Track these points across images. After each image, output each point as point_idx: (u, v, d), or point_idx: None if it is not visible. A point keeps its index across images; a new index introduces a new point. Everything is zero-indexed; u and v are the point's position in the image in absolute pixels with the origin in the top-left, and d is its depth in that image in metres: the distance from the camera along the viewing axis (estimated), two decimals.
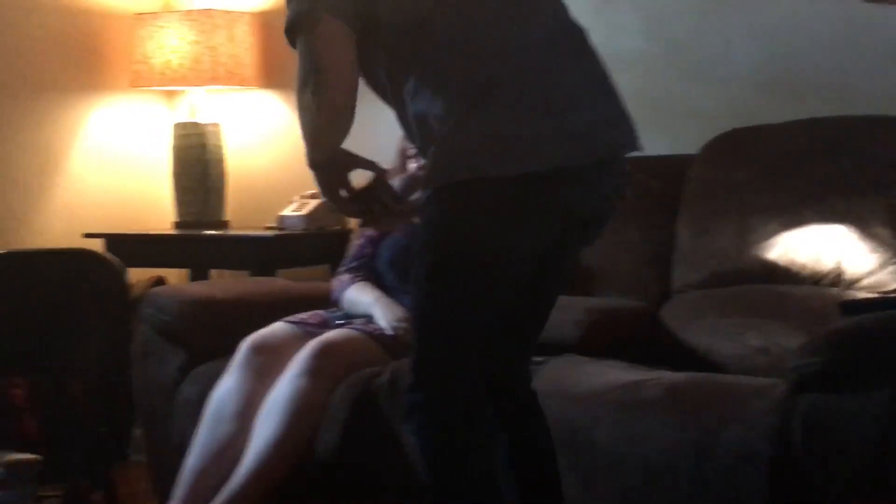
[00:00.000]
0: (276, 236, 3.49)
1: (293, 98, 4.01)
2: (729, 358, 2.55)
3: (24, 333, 1.57)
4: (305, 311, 2.89)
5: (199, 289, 3.02)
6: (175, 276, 3.98)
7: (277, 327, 2.77)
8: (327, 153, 1.89)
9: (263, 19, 3.96)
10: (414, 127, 1.92)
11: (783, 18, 3.09)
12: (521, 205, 1.81)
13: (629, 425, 2.16)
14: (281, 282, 3.25)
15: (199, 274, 3.88)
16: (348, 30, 1.83)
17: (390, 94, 1.95)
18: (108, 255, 1.69)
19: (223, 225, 3.90)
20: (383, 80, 1.94)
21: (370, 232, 2.99)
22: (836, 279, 2.58)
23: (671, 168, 2.99)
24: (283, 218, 3.66)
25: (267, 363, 2.66)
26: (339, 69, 1.84)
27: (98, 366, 1.52)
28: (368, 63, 1.94)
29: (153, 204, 4.07)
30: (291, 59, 4.03)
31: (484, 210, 1.80)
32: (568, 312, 2.61)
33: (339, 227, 3.68)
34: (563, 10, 2.02)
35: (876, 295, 2.39)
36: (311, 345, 2.61)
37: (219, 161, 3.91)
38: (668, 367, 2.55)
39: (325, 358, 2.57)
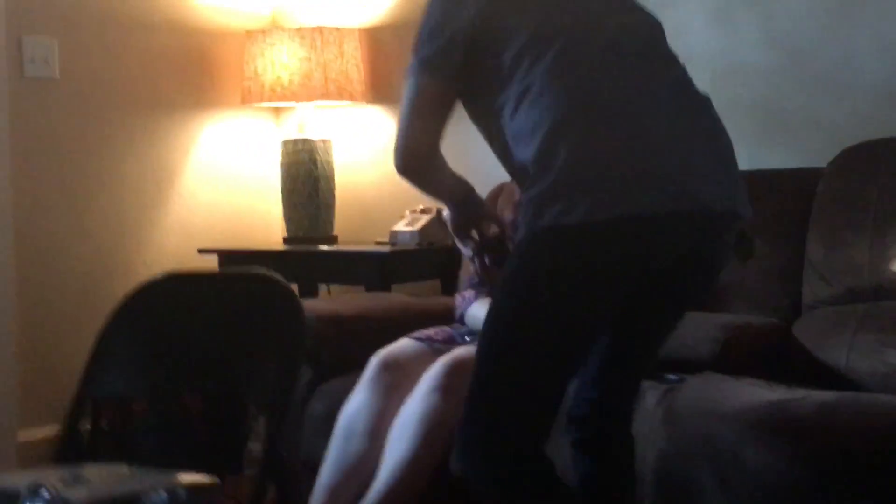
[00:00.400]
0: (390, 252, 3.50)
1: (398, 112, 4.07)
2: (868, 376, 2.50)
3: (201, 352, 1.58)
4: (426, 326, 2.89)
5: (323, 305, 3.04)
6: None
7: (405, 344, 2.77)
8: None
9: (372, 35, 3.98)
10: (517, 177, 1.96)
11: None
12: (592, 253, 1.80)
13: (780, 446, 2.11)
14: (399, 297, 3.26)
15: (307, 289, 3.91)
16: (444, 89, 1.94)
17: (496, 145, 1.99)
18: (283, 280, 1.70)
19: (332, 240, 3.93)
20: (492, 131, 1.98)
21: None
22: None
23: (799, 181, 2.94)
24: (394, 233, 3.67)
25: (396, 380, 2.66)
26: (420, 127, 1.94)
27: (273, 388, 1.53)
28: (478, 114, 2.00)
29: (263, 219, 4.11)
30: (399, 74, 4.09)
31: (555, 260, 1.81)
32: (702, 329, 2.58)
33: (449, 243, 3.68)
34: (682, 74, 2.00)
35: None
36: (443, 361, 2.61)
37: (328, 177, 3.94)
38: (804, 384, 2.51)
39: (456, 375, 2.56)
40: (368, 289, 3.46)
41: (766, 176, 3.03)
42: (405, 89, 1.96)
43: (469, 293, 2.98)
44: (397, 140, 1.96)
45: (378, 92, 3.99)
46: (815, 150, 3.07)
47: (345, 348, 2.89)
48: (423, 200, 3.82)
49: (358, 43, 3.94)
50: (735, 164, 1.97)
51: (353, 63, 3.91)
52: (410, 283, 3.64)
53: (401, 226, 3.69)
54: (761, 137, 3.23)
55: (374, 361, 2.70)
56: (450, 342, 2.78)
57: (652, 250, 1.83)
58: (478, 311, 2.90)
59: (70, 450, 1.64)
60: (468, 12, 1.90)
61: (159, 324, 1.60)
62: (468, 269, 3.16)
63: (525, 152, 1.86)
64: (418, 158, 1.96)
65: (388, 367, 2.69)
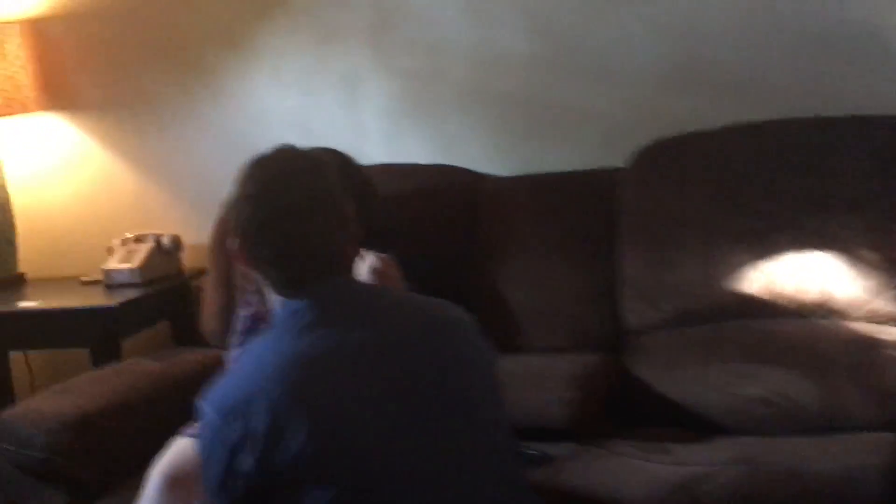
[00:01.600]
0: (116, 307, 2.86)
1: (84, 120, 3.35)
2: (726, 413, 2.28)
3: None
4: (191, 393, 2.37)
5: (62, 403, 2.37)
6: None
7: (184, 446, 2.23)
8: None
9: (37, 28, 3.27)
10: None
11: (684, 11, 2.79)
12: None
13: None
14: (146, 366, 2.65)
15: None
16: None
17: None
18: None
19: (19, 279, 3.24)
20: None
21: (254, 302, 2.49)
22: (823, 309, 2.35)
23: (594, 186, 2.65)
24: (109, 272, 3.05)
25: (187, 494, 2.14)
26: None
27: None
28: None
29: None
30: (75, 75, 3.37)
31: None
32: (546, 387, 2.26)
33: (175, 274, 3.11)
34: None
35: None
36: None
37: (2, 205, 3.22)
38: (649, 425, 2.28)
39: None
40: (94, 353, 2.82)
41: (553, 181, 2.73)
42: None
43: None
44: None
45: (52, 97, 3.29)
46: (599, 146, 2.82)
47: (104, 456, 2.31)
48: (129, 225, 3.21)
49: (21, 39, 3.22)
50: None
51: (19, 65, 3.20)
52: (136, 333, 3.01)
53: (115, 262, 3.06)
54: (535, 135, 2.92)
55: (157, 479, 2.16)
56: None
57: None
58: None
59: None
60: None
61: None
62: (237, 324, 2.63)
63: None
64: None
65: (175, 481, 2.16)
